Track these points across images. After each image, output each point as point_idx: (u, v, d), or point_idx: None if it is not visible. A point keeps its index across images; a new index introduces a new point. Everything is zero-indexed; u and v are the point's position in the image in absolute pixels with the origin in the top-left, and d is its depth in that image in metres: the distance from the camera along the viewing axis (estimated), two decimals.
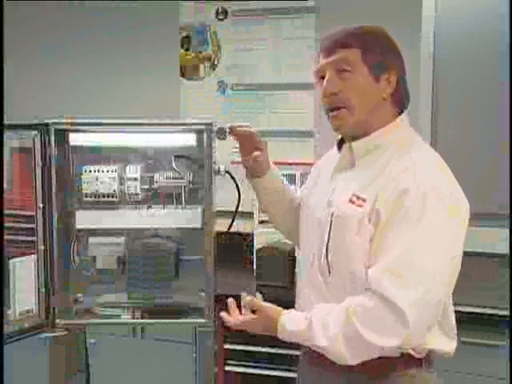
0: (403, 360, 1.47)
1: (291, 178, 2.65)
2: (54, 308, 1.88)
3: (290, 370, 2.47)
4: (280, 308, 1.53)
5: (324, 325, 1.42)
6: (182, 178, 1.94)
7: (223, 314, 1.60)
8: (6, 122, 1.75)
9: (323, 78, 1.53)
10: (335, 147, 1.67)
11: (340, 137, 1.65)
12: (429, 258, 1.39)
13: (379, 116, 1.53)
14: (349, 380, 1.49)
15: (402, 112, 1.58)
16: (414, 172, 1.42)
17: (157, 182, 1.94)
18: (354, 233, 1.45)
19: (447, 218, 1.42)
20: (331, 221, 1.50)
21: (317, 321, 1.44)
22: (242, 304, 1.58)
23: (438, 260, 1.40)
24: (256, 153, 1.70)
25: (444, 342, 1.51)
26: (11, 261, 1.80)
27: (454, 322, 1.54)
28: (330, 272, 1.50)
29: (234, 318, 1.58)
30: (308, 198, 1.70)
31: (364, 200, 1.46)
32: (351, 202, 1.48)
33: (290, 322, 1.49)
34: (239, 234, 1.75)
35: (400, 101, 1.55)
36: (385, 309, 1.36)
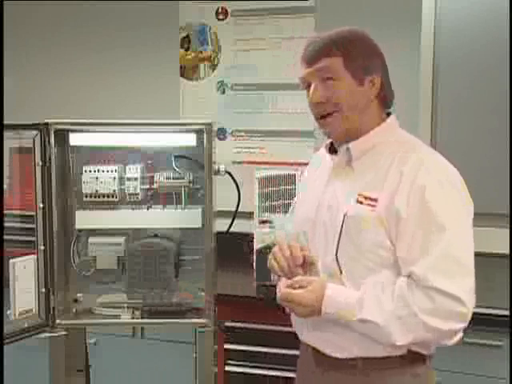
0: (409, 358, 1.49)
1: (291, 178, 2.64)
2: (53, 308, 1.89)
3: (290, 370, 2.46)
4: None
5: (378, 301, 1.45)
6: (182, 178, 1.94)
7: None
8: (6, 122, 1.76)
9: (309, 85, 1.56)
10: (322, 149, 1.69)
11: (329, 141, 1.66)
12: (464, 250, 1.45)
13: (369, 117, 1.56)
14: (353, 379, 1.50)
15: (389, 112, 1.62)
16: (426, 168, 1.47)
17: (157, 182, 1.94)
18: (368, 231, 1.48)
19: (465, 207, 1.50)
20: (343, 221, 1.51)
21: (370, 296, 1.46)
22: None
23: (470, 249, 1.47)
24: None
25: None
26: (11, 261, 1.80)
27: None
28: (341, 271, 1.52)
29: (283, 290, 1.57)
30: (302, 202, 1.71)
31: (375, 200, 1.48)
32: (359, 202, 1.50)
33: (338, 292, 1.50)
34: (239, 233, 1.76)
35: (386, 100, 1.59)
36: (442, 298, 1.40)
